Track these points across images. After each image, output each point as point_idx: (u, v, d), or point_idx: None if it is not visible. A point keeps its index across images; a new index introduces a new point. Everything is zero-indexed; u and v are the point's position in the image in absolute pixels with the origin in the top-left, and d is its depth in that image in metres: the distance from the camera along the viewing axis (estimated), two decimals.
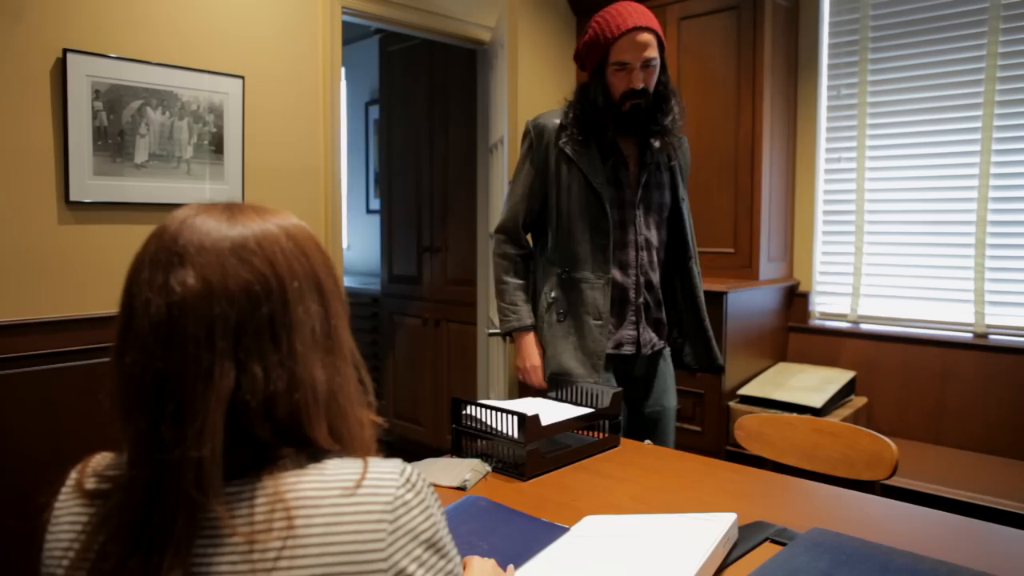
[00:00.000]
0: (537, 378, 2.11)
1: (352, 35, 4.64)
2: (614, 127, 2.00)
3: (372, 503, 0.67)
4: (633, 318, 2.07)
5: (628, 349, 2.08)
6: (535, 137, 2.08)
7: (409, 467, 0.72)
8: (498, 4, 3.37)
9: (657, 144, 2.03)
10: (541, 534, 1.25)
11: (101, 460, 0.76)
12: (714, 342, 2.19)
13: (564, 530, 1.26)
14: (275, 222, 0.73)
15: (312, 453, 0.71)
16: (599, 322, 2.02)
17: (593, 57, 1.99)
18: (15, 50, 2.14)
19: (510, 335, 2.14)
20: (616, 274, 2.05)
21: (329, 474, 0.68)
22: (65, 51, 2.21)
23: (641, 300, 2.07)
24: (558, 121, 2.06)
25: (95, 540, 0.68)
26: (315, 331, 0.72)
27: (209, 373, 0.65)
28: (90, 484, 0.72)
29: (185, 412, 0.65)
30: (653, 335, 2.11)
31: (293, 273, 0.71)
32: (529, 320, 2.11)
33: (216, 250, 0.68)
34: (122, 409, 0.68)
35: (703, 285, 2.23)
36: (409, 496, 0.69)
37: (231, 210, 0.73)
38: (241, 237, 0.70)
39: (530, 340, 2.11)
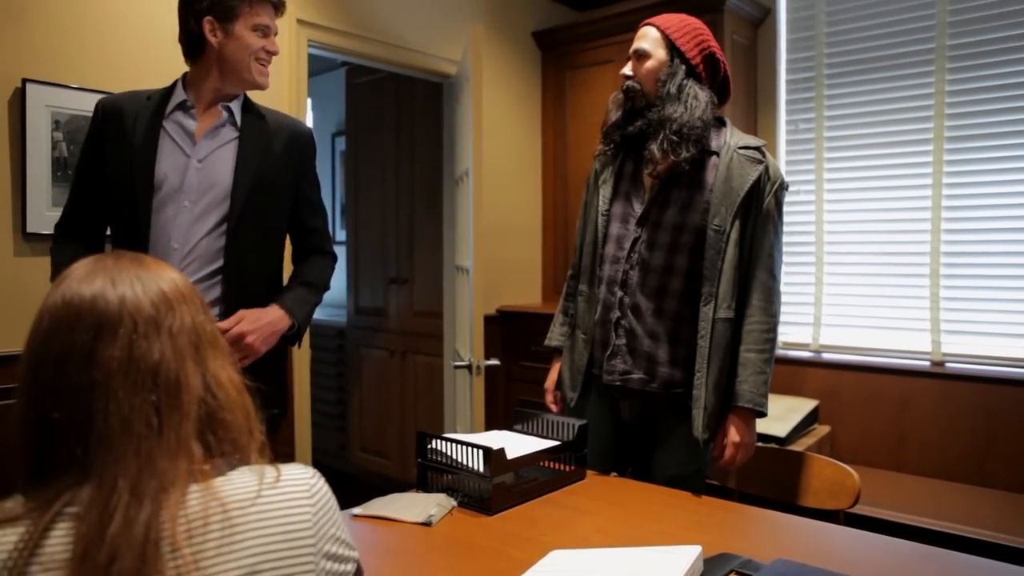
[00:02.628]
0: (547, 399, 2.13)
1: (319, 67, 4.65)
2: (632, 130, 1.93)
3: (294, 491, 0.78)
4: (615, 341, 1.91)
5: (605, 376, 1.94)
6: None
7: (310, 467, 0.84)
8: (463, 38, 3.41)
9: (652, 150, 1.85)
10: None
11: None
12: (699, 412, 1.81)
13: None
14: (156, 272, 0.82)
15: (228, 463, 0.80)
16: (584, 337, 2.01)
17: None
18: None
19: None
20: (602, 289, 1.96)
21: (250, 475, 0.78)
22: (24, 81, 2.18)
23: (624, 323, 1.90)
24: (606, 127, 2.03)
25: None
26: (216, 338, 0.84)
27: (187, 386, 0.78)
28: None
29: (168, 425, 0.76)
30: (629, 369, 1.88)
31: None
32: (554, 342, 2.14)
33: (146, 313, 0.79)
34: (112, 437, 0.73)
35: (753, 347, 1.81)
36: (319, 483, 0.82)
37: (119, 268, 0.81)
38: (160, 290, 0.80)
39: (555, 362, 2.15)
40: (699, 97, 1.85)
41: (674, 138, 1.82)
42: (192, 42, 1.75)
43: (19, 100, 2.18)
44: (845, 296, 3.31)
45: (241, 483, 0.76)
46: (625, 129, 1.94)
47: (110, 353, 0.73)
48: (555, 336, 2.15)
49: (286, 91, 2.87)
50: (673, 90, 1.85)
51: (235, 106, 1.79)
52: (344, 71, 4.51)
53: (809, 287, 3.39)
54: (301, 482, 0.79)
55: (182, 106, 1.74)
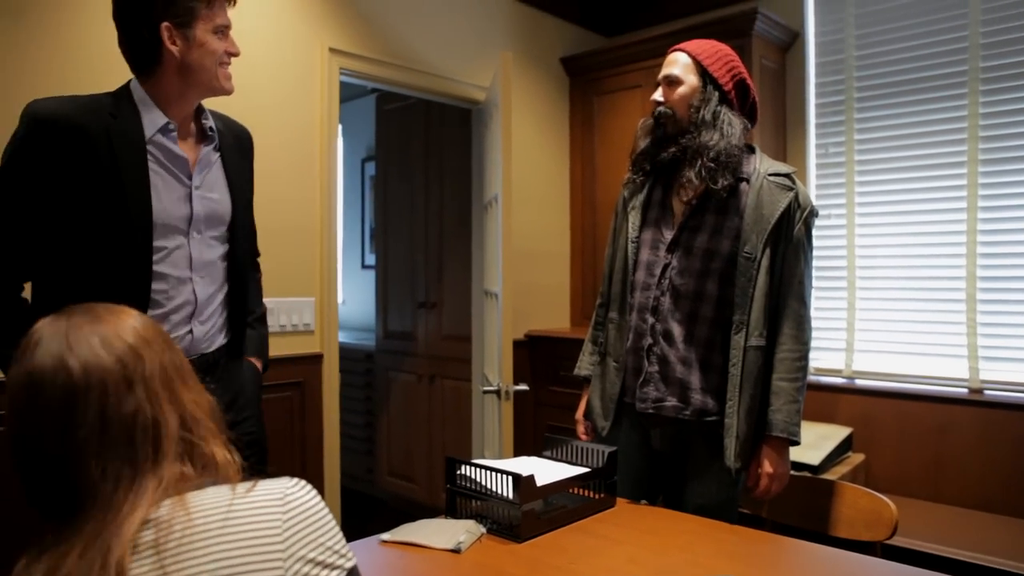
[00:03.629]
0: (578, 431, 2.12)
1: (349, 93, 4.73)
2: (664, 157, 1.92)
3: (265, 499, 0.79)
4: (647, 368, 1.90)
5: (637, 403, 1.92)
6: None
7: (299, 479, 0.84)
8: (492, 65, 3.45)
9: (684, 177, 1.85)
10: None
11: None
12: (731, 441, 1.79)
13: None
14: (114, 324, 0.84)
15: (209, 482, 0.82)
16: (616, 365, 1.99)
17: None
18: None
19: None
20: (633, 316, 1.95)
21: (225, 489, 0.79)
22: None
23: (657, 350, 1.89)
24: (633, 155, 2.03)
25: None
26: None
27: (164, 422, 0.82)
28: None
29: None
30: (662, 396, 1.87)
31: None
32: (584, 371, 2.13)
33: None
34: (84, 498, 0.76)
35: (785, 375, 1.80)
36: (299, 492, 0.81)
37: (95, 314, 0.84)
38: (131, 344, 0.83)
39: (585, 391, 2.14)
40: (734, 124, 1.85)
41: (711, 165, 1.81)
42: (146, 51, 1.52)
43: None
44: (878, 321, 3.26)
45: (212, 494, 0.78)
46: (656, 157, 1.93)
47: (81, 421, 0.76)
48: (584, 365, 2.13)
49: (318, 118, 2.92)
50: (708, 117, 1.84)
51: (212, 123, 1.67)
52: (374, 97, 4.58)
53: (841, 312, 3.34)
54: (275, 491, 0.80)
55: (164, 129, 1.55)
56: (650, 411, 1.89)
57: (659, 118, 1.92)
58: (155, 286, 1.56)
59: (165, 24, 1.49)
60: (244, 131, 1.83)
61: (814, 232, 1.90)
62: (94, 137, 1.47)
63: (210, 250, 1.65)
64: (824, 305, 3.38)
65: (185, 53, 1.53)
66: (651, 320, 1.91)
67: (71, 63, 2.26)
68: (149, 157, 1.53)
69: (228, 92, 1.63)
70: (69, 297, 1.45)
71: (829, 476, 2.76)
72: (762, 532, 1.63)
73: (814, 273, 1.94)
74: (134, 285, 1.54)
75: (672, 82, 1.89)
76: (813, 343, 1.90)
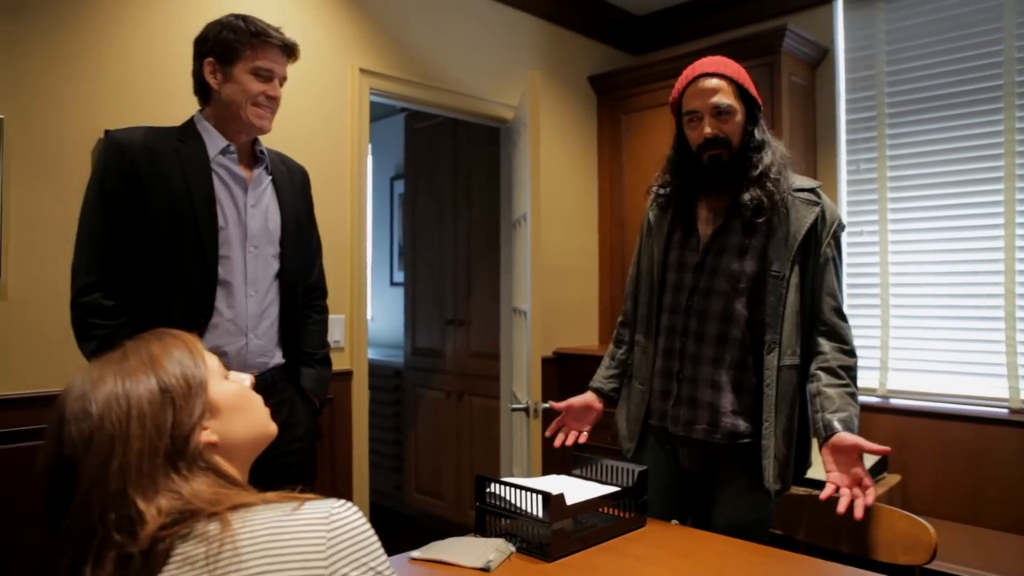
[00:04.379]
0: (552, 404, 2.10)
1: (378, 112, 4.78)
2: (700, 183, 1.89)
3: (311, 518, 0.80)
4: (676, 391, 1.89)
5: (667, 425, 1.91)
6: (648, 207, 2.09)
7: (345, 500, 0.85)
8: (520, 83, 3.47)
9: (746, 198, 1.80)
10: None
11: None
12: (770, 463, 1.76)
13: None
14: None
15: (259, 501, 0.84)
16: (642, 387, 1.98)
17: (673, 114, 1.96)
18: (57, 131, 2.23)
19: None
20: (661, 339, 1.94)
21: (273, 506, 0.81)
22: (106, 132, 2.29)
23: (685, 373, 1.87)
24: (655, 186, 2.02)
25: None
26: None
27: None
28: None
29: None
30: (692, 419, 1.85)
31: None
32: (595, 383, 2.11)
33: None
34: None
35: (835, 381, 1.77)
36: (345, 513, 0.82)
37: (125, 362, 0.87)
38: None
39: (587, 393, 2.11)
40: (774, 141, 1.87)
41: (771, 187, 1.80)
42: (198, 83, 1.76)
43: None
44: (914, 340, 3.20)
45: (261, 511, 0.80)
46: (709, 187, 1.89)
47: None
48: (598, 379, 2.12)
49: (348, 137, 2.96)
50: (768, 139, 1.85)
51: (262, 147, 1.84)
52: (403, 116, 4.63)
53: (875, 330, 3.29)
54: (321, 510, 0.81)
55: (225, 150, 1.74)
56: (680, 433, 1.87)
57: (718, 149, 1.83)
58: (218, 292, 1.70)
59: (208, 59, 1.71)
60: (299, 167, 2.00)
61: (844, 246, 1.88)
62: (164, 157, 1.68)
63: (264, 266, 1.79)
64: (858, 323, 3.32)
65: (222, 87, 1.72)
66: (679, 343, 1.89)
67: (145, 95, 2.37)
68: (214, 175, 1.73)
69: (261, 131, 1.79)
70: (142, 301, 1.66)
71: None
72: (796, 555, 1.60)
73: (845, 288, 1.89)
74: (200, 291, 1.69)
75: (724, 111, 1.82)
76: None
